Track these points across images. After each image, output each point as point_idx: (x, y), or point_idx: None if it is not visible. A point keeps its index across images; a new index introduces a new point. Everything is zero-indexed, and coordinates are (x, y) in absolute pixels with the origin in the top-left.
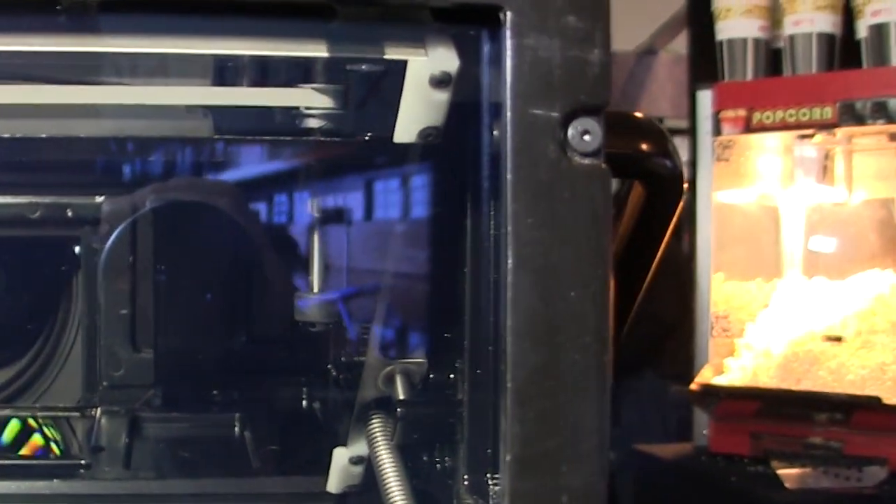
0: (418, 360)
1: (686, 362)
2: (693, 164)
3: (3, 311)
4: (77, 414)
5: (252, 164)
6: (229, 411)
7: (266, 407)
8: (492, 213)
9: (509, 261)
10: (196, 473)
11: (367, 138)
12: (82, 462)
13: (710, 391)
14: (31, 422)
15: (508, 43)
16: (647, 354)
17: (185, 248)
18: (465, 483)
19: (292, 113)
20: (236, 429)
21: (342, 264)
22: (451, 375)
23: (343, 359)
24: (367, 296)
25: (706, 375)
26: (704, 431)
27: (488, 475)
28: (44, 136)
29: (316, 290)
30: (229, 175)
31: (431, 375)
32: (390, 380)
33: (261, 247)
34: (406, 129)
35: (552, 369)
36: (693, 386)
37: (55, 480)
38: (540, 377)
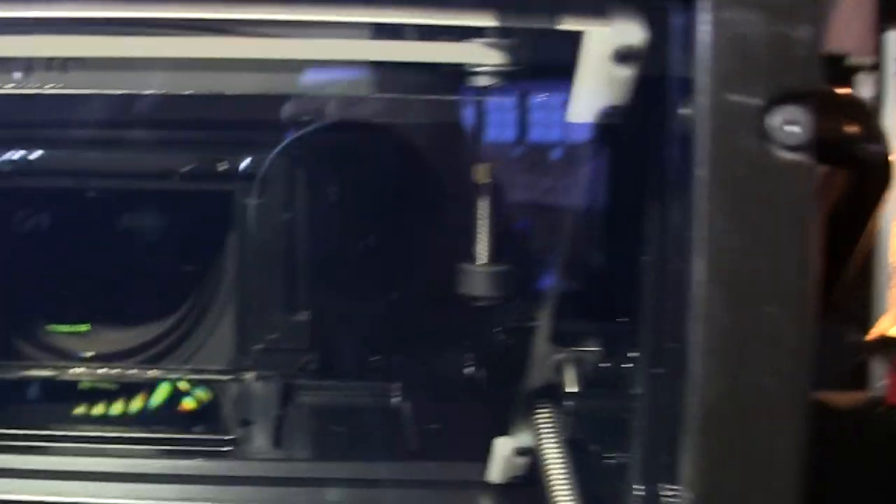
0: (591, 349)
1: (864, 311)
2: (877, 102)
3: (154, 267)
4: (227, 378)
5: (415, 123)
6: (387, 380)
7: (424, 381)
8: (676, 205)
9: (700, 269)
10: (350, 452)
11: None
12: (230, 438)
13: (887, 341)
14: (182, 385)
15: (704, 16)
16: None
17: (346, 210)
18: (636, 488)
19: (458, 70)
20: (395, 399)
21: (511, 236)
22: (626, 368)
23: (509, 339)
24: (539, 273)
25: (884, 325)
26: (881, 382)
27: (663, 484)
28: (194, 91)
29: (482, 262)
30: (390, 132)
31: (604, 367)
32: (560, 368)
33: (426, 212)
34: (582, 107)
35: (742, 395)
36: (870, 336)
37: (199, 460)
38: (728, 403)
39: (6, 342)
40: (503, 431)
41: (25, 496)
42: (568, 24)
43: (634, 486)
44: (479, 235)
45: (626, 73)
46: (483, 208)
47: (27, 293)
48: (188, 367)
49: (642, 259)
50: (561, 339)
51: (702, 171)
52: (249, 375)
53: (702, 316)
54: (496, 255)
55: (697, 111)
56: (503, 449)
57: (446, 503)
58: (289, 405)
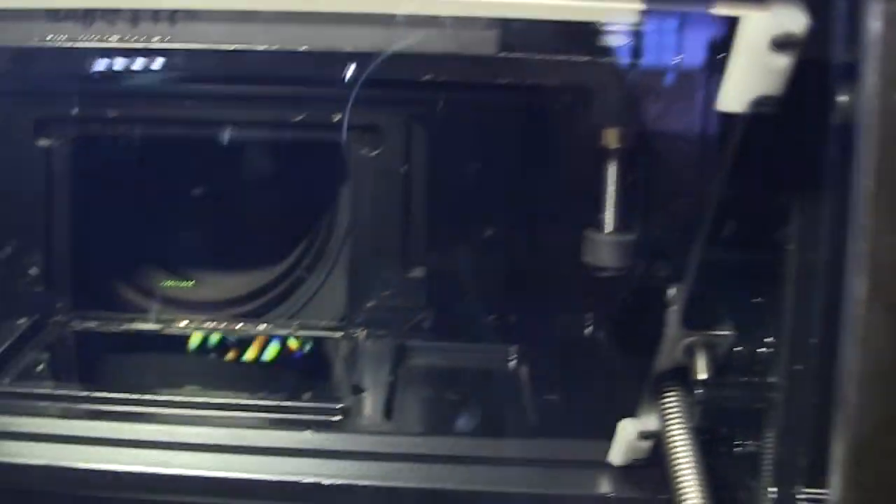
0: (725, 332)
1: None
2: None
3: (267, 219)
4: (337, 335)
5: (540, 84)
6: (504, 343)
7: (541, 346)
8: (828, 199)
9: (860, 288)
10: (464, 425)
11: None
12: (340, 407)
13: None
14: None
15: (874, 8)
16: None
17: (466, 163)
18: (770, 491)
19: (589, 29)
20: (512, 363)
21: (640, 206)
22: (762, 356)
23: (637, 314)
24: (671, 247)
25: None
26: None
27: (799, 487)
28: (307, 48)
29: (608, 230)
30: (511, 95)
31: (738, 352)
32: (691, 352)
33: (548, 173)
34: (735, 96)
35: None
36: None
37: (308, 432)
38: (885, 436)
39: (116, 294)
40: (626, 409)
41: (127, 466)
42: (723, 9)
43: (768, 489)
44: (606, 203)
45: (784, 61)
46: (612, 174)
47: (142, 242)
48: (297, 322)
49: (785, 247)
50: (693, 320)
51: (866, 181)
52: (360, 333)
53: (860, 339)
54: (624, 223)
55: (863, 114)
56: (628, 432)
57: (565, 483)
58: (400, 368)
